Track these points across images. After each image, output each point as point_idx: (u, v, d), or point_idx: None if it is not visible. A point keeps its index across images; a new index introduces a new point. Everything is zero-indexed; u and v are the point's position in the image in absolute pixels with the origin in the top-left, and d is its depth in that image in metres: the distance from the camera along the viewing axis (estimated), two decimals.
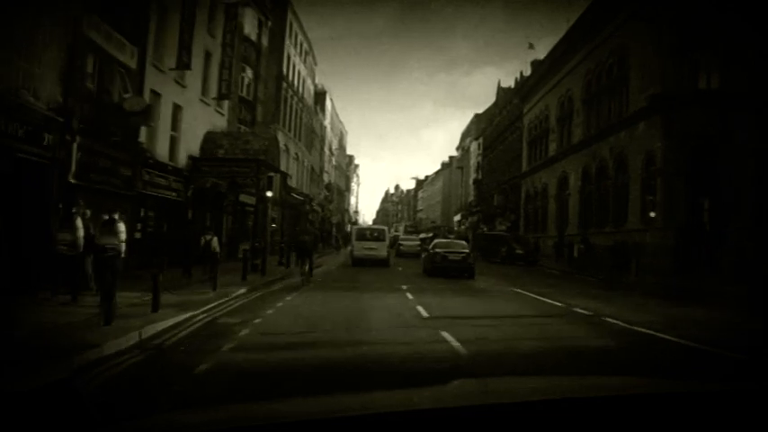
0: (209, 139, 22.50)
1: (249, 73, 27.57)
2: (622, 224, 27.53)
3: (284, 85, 33.07)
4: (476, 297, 13.67)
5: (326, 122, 53.18)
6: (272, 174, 17.80)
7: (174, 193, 20.28)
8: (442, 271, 21.34)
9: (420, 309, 10.85)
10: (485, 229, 58.46)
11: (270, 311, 10.40)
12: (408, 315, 10.20)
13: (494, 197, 53.14)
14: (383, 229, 31.91)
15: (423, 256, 28.45)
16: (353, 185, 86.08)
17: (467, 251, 23.48)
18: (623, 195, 28.06)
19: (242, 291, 13.56)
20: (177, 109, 20.83)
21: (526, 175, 44.86)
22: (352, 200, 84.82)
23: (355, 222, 77.14)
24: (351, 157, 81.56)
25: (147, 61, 18.75)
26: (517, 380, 3.65)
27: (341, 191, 69.56)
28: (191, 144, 21.88)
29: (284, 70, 33.00)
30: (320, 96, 50.32)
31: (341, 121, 66.26)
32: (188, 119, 21.45)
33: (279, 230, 29.80)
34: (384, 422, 1.61)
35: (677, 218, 23.45)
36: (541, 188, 40.71)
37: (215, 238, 17.79)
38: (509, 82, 57.54)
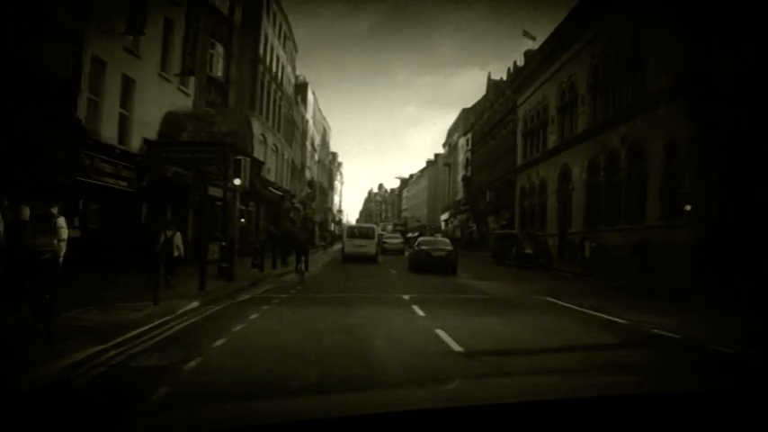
0: (170, 120, 18.90)
1: (220, 50, 23.98)
2: (639, 221, 24.35)
3: (261, 68, 29.49)
4: (507, 313, 10.22)
5: (308, 116, 49.62)
6: (240, 157, 14.38)
7: (124, 183, 16.64)
8: (427, 267, 21.55)
9: (443, 336, 7.43)
10: (474, 227, 55.30)
11: (220, 342, 6.90)
12: (432, 349, 6.72)
13: (485, 194, 49.92)
14: (372, 228, 32.62)
15: (407, 253, 29.76)
16: (337, 184, 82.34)
17: (450, 248, 23.75)
18: (639, 189, 24.88)
19: (194, 305, 10.04)
20: (129, 83, 17.19)
21: (521, 170, 41.69)
22: (336, 198, 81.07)
23: (339, 222, 73.65)
24: (334, 155, 77.81)
25: (90, 21, 15.20)
26: (519, 378, 3.57)
27: (324, 189, 65.97)
28: (147, 125, 18.24)
29: (261, 52, 29.42)
30: (301, 88, 46.76)
31: (324, 117, 62.66)
32: (143, 95, 17.81)
33: (253, 227, 26.20)
34: (385, 422, 1.58)
35: (707, 212, 20.35)
36: (539, 183, 37.54)
37: (178, 235, 14.42)
38: (498, 74, 54.30)
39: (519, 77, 43.53)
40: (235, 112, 21.66)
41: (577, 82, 32.44)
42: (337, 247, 35.67)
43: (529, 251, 26.09)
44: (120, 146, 16.47)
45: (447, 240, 26.92)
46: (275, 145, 33.72)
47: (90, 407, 1.52)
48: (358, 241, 27.76)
